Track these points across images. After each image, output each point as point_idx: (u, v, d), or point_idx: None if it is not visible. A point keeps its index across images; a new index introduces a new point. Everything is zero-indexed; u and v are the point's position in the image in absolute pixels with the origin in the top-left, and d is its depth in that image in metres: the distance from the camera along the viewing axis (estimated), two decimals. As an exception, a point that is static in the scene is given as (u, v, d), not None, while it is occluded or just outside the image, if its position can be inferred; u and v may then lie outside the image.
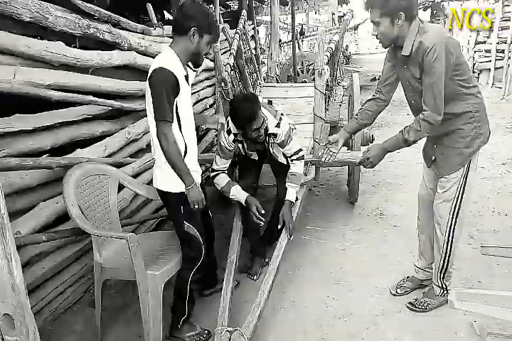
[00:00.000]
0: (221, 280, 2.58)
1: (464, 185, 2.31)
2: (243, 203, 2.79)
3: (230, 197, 2.82)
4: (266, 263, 2.99)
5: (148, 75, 2.08)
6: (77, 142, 2.73)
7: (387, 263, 3.03)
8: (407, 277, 2.75)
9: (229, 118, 2.73)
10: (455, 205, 2.35)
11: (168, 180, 2.20)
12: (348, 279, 2.87)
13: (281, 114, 2.80)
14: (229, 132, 2.76)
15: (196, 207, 2.20)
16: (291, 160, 2.87)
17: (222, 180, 2.81)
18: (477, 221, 3.57)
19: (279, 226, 2.78)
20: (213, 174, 2.85)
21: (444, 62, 2.06)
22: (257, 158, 3.00)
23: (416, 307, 2.53)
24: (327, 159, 2.61)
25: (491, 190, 4.24)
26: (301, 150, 2.87)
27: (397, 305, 2.59)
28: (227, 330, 2.16)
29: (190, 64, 2.27)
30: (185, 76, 2.17)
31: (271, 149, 2.87)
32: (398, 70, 2.36)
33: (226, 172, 2.86)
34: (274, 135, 2.76)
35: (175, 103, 2.10)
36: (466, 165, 2.28)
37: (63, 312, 2.62)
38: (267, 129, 2.70)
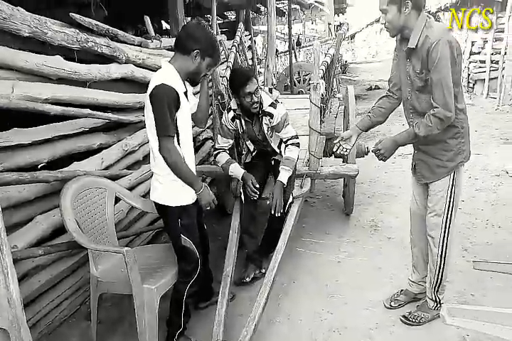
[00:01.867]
0: (216, 293, 2.60)
1: (452, 198, 2.35)
2: (240, 179, 3.00)
3: (229, 173, 3.02)
4: (262, 274, 3.01)
5: (150, 91, 2.11)
6: (74, 155, 2.75)
7: (381, 276, 3.05)
8: (401, 290, 2.77)
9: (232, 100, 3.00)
10: (445, 218, 2.39)
11: (166, 194, 2.24)
12: (343, 292, 2.89)
13: (279, 100, 3.03)
14: (229, 110, 3.03)
15: (208, 208, 2.31)
16: (287, 145, 3.03)
17: (222, 158, 3.05)
18: (471, 233, 3.60)
19: (268, 202, 2.96)
20: (215, 152, 3.10)
21: (449, 57, 2.10)
22: (252, 148, 3.19)
23: (410, 321, 2.54)
24: (340, 153, 2.63)
25: (485, 201, 4.27)
26: (297, 137, 3.05)
27: (391, 319, 2.60)
28: (222, 344, 2.17)
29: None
30: (184, 92, 2.21)
31: (265, 130, 3.02)
32: (401, 64, 2.39)
33: (227, 151, 3.09)
34: (270, 116, 2.94)
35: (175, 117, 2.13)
36: (451, 179, 2.33)
37: (59, 326, 2.63)
38: (261, 105, 2.92)
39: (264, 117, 2.97)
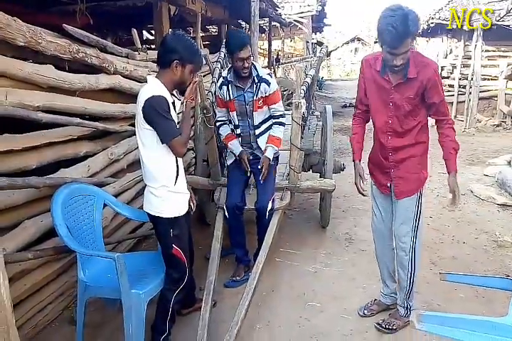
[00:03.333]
0: (199, 300, 2.68)
1: (420, 207, 2.54)
2: (237, 155, 3.27)
3: (228, 147, 3.32)
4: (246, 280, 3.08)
5: (142, 105, 2.16)
6: (59, 162, 2.78)
7: (355, 286, 3.19)
8: (374, 300, 2.90)
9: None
10: (414, 227, 2.55)
11: (159, 206, 2.31)
12: (319, 300, 3.01)
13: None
14: (219, 77, 3.32)
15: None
16: (274, 123, 3.26)
17: (224, 131, 3.34)
18: (438, 248, 3.81)
19: (259, 167, 3.17)
20: (218, 124, 3.35)
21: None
22: (237, 122, 3.26)
23: (383, 328, 2.67)
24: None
25: (451, 218, 4.50)
26: (284, 116, 3.27)
27: (364, 325, 2.73)
28: (206, 349, 2.24)
29: (175, 93, 2.41)
30: (172, 103, 2.29)
31: (255, 98, 3.14)
32: (379, 92, 2.43)
33: (228, 123, 3.35)
34: (267, 83, 3.12)
35: None
36: (419, 193, 2.53)
37: (42, 330, 2.64)
38: (258, 73, 3.11)
39: (261, 84, 3.12)
